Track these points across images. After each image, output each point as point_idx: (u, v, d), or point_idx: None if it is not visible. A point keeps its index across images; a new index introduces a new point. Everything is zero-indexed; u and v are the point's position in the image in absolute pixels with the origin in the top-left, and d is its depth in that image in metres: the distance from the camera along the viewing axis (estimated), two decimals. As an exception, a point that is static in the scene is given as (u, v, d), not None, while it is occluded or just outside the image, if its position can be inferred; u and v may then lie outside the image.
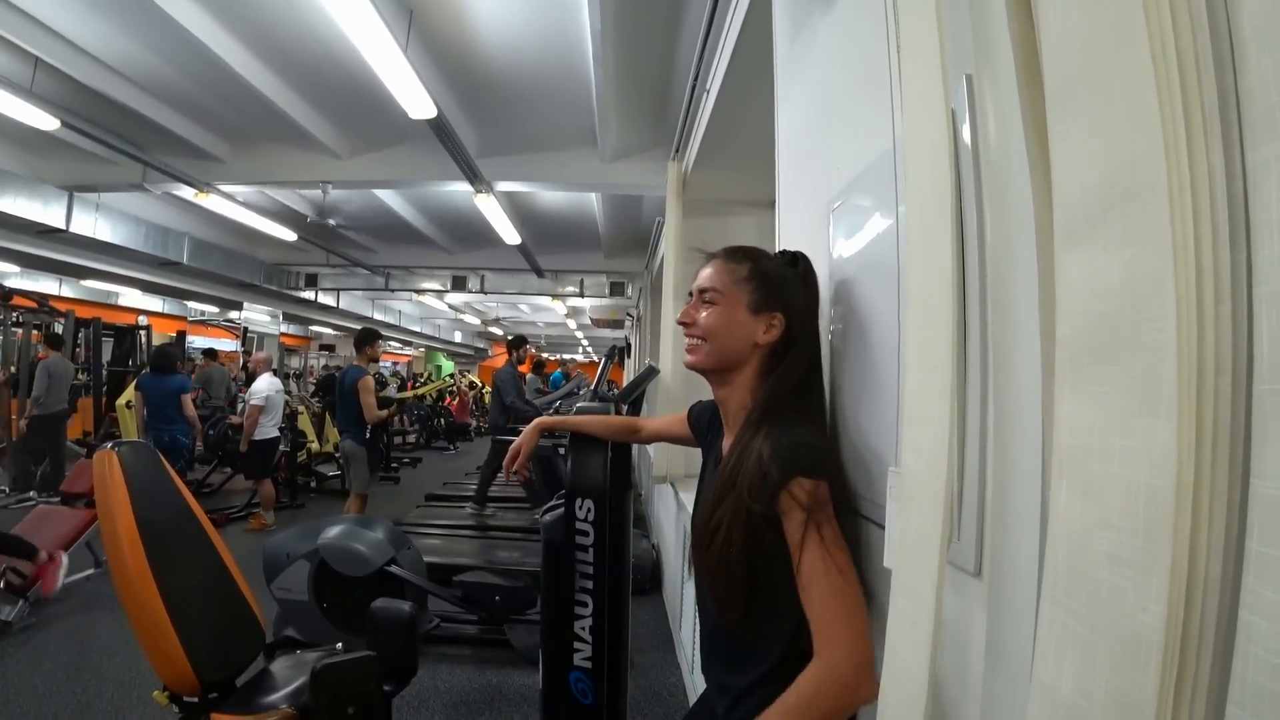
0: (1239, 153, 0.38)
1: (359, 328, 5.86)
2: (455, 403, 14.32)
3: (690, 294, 1.07)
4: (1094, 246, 0.45)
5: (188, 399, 5.59)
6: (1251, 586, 0.35)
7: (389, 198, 7.18)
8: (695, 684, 2.46)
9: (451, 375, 17.05)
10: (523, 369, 6.04)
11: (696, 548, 0.97)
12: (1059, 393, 0.48)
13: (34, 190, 5.91)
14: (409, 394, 12.47)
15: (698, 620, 1.21)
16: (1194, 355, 0.38)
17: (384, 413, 4.73)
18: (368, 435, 4.62)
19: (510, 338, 6.14)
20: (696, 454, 1.26)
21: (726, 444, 1.05)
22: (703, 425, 1.25)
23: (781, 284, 1.01)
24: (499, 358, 25.47)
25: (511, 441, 1.63)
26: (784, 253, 1.09)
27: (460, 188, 5.56)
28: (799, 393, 0.97)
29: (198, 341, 11.90)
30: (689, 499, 1.72)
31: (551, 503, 1.93)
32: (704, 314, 1.00)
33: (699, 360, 1.02)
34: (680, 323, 1.04)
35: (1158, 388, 0.39)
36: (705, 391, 1.16)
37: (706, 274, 1.03)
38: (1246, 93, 0.38)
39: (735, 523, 0.88)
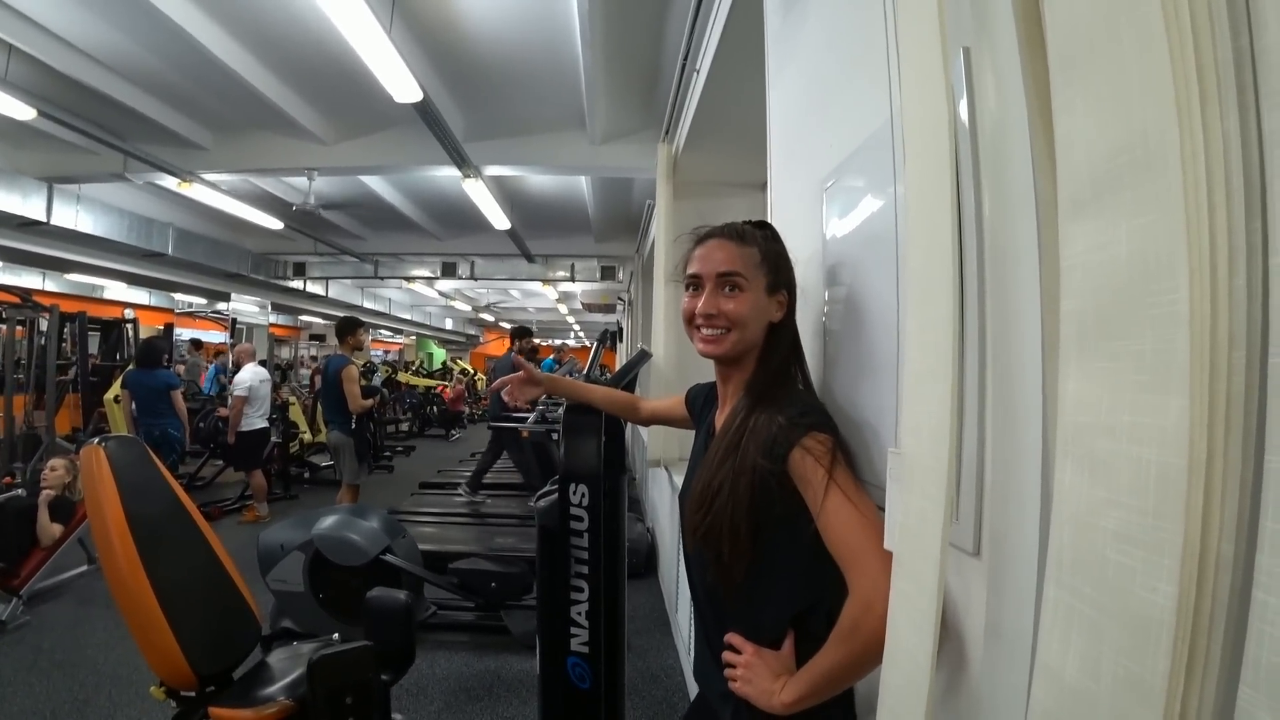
0: (1255, 117, 0.37)
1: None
2: (448, 391, 14.28)
3: (692, 280, 1.00)
4: (1101, 217, 0.43)
5: (178, 394, 5.52)
6: (1266, 565, 0.34)
7: (376, 184, 7.09)
8: (691, 666, 2.47)
9: (444, 364, 16.93)
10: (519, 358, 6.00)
11: (693, 513, 0.95)
12: (1064, 369, 0.47)
13: (12, 182, 5.78)
14: (403, 381, 12.42)
15: (690, 602, 1.19)
16: (1207, 328, 0.37)
17: (368, 402, 4.66)
18: (353, 425, 4.57)
19: (514, 328, 6.10)
20: (690, 438, 1.24)
21: (721, 416, 1.04)
22: (698, 405, 1.25)
23: (783, 261, 1.02)
24: (492, 344, 25.21)
25: (509, 430, 1.61)
26: (760, 224, 1.04)
27: (448, 173, 5.48)
28: (794, 362, 1.02)
29: (186, 334, 11.78)
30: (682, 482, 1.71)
31: (546, 488, 1.93)
32: (730, 303, 0.96)
33: (726, 350, 0.98)
34: (705, 314, 0.97)
35: (1169, 362, 0.38)
36: (698, 375, 1.14)
37: (721, 258, 0.97)
38: (1263, 55, 0.36)
39: (739, 483, 0.88)
